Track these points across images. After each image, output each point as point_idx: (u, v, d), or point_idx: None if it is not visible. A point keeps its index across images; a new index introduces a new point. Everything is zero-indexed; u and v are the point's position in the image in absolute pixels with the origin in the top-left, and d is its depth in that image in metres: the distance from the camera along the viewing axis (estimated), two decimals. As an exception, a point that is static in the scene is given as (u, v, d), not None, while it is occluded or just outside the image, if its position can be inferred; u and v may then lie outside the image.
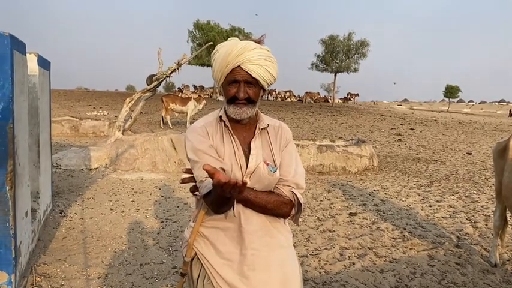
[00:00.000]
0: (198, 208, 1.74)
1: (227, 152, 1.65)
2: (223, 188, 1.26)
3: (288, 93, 41.28)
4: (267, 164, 1.65)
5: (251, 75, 1.59)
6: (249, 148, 1.67)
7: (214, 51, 1.67)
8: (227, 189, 1.26)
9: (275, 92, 41.15)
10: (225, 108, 1.69)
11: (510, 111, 41.10)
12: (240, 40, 1.64)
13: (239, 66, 1.58)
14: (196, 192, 1.63)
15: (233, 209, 1.58)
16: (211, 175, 1.25)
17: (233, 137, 1.67)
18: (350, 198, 6.58)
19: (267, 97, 41.02)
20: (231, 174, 1.62)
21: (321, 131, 17.27)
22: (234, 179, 1.25)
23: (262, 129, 1.72)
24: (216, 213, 1.62)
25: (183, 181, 1.71)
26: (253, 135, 1.69)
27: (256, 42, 1.63)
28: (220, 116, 1.69)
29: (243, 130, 1.71)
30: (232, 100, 1.63)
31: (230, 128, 1.67)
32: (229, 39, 1.68)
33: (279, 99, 40.18)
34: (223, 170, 1.59)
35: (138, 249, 4.20)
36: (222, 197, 1.41)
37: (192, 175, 1.68)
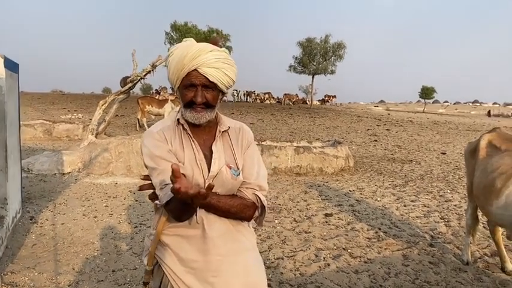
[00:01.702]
0: (158, 215, 1.68)
1: (187, 156, 1.59)
2: (183, 196, 1.20)
3: (267, 95, 41.38)
4: (230, 168, 1.61)
5: (208, 79, 1.54)
6: (210, 151, 1.62)
7: (169, 52, 1.61)
8: (188, 198, 1.21)
9: (254, 93, 41.19)
10: (182, 111, 1.63)
11: (489, 111, 42.19)
12: (198, 42, 1.59)
13: (195, 69, 1.53)
14: (157, 201, 1.56)
15: (196, 216, 1.53)
16: (174, 176, 1.19)
17: (193, 141, 1.62)
18: (326, 199, 6.60)
19: (246, 99, 41.02)
20: (192, 179, 1.57)
21: (299, 133, 17.33)
22: (197, 189, 1.19)
23: (223, 131, 1.67)
24: (178, 221, 1.56)
25: (141, 188, 1.65)
26: (214, 138, 1.65)
27: (213, 44, 1.58)
28: (178, 119, 1.64)
29: (203, 133, 1.66)
30: (189, 104, 1.57)
31: (189, 132, 1.62)
32: (184, 40, 1.62)
33: (258, 101, 40.22)
34: (184, 175, 1.55)
35: (110, 255, 4.11)
36: (183, 205, 1.36)
37: (151, 181, 1.61)
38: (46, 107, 24.05)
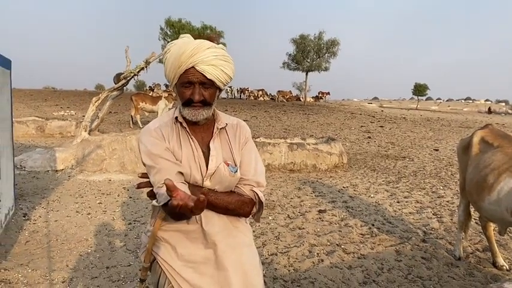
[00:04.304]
0: (155, 212, 1.69)
1: (185, 154, 1.59)
2: (183, 210, 1.22)
3: (260, 92, 41.35)
4: (228, 165, 1.61)
5: (206, 77, 1.53)
6: (208, 149, 1.62)
7: (165, 49, 1.60)
8: (188, 211, 1.22)
9: (248, 90, 41.15)
10: (180, 109, 1.62)
11: (489, 108, 42.26)
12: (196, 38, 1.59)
13: (193, 67, 1.51)
14: (154, 202, 1.55)
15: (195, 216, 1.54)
16: (170, 192, 1.19)
17: (191, 138, 1.61)
18: (320, 196, 6.62)
19: (240, 96, 40.97)
20: (190, 177, 1.57)
21: (293, 129, 17.35)
22: (193, 199, 1.20)
23: (220, 128, 1.67)
24: (176, 220, 1.58)
25: (139, 186, 1.65)
26: (212, 136, 1.64)
27: (210, 40, 1.57)
28: (176, 117, 1.62)
29: (201, 131, 1.65)
30: (187, 102, 1.56)
31: (188, 129, 1.61)
32: (180, 36, 1.61)
33: (251, 98, 40.20)
34: (182, 173, 1.54)
35: (104, 252, 4.10)
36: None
37: (148, 179, 1.61)
38: (38, 104, 23.90)
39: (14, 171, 5.30)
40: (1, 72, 4.44)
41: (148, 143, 1.58)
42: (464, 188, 4.11)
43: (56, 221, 4.97)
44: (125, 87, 9.26)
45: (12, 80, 5.12)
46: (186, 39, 1.58)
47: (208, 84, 1.56)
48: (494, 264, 3.98)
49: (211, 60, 1.52)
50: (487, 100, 70.94)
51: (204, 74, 1.52)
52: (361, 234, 4.85)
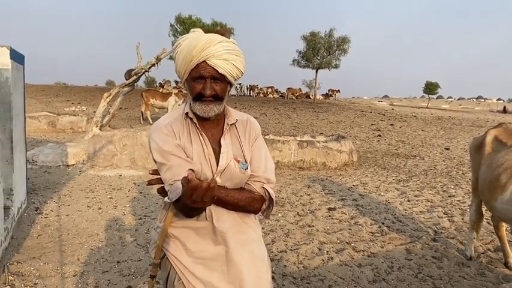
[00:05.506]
0: (165, 208, 1.68)
1: (195, 150, 1.58)
2: (192, 196, 1.21)
3: (270, 90, 41.22)
4: (238, 162, 1.60)
5: (217, 71, 1.51)
6: (219, 145, 1.61)
7: (176, 44, 1.58)
8: (198, 196, 1.21)
9: (257, 88, 41.08)
10: (190, 104, 1.61)
11: (504, 107, 41.66)
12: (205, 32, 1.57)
13: (204, 61, 1.50)
14: (166, 199, 1.55)
15: (205, 212, 1.54)
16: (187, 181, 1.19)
17: (201, 135, 1.60)
18: (329, 194, 6.61)
19: (249, 93, 40.92)
20: (201, 174, 1.57)
21: (303, 127, 17.30)
22: (204, 183, 1.20)
23: (231, 124, 1.66)
24: (187, 217, 1.57)
25: (150, 183, 1.64)
26: (222, 132, 1.63)
27: (220, 35, 1.55)
28: (187, 113, 1.61)
29: (211, 127, 1.64)
30: (198, 97, 1.55)
31: (198, 125, 1.60)
32: (191, 30, 1.59)
33: (261, 95, 40.11)
34: (193, 170, 1.53)
35: (115, 247, 4.13)
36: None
37: (159, 176, 1.60)
38: (50, 99, 24.11)
39: (26, 166, 5.36)
40: (15, 67, 4.48)
41: (159, 140, 1.57)
42: (476, 187, 4.07)
43: (67, 215, 5.02)
44: (135, 84, 9.31)
45: (25, 76, 5.18)
46: (197, 33, 1.56)
47: (220, 78, 1.54)
48: (506, 264, 3.95)
49: (222, 55, 1.51)
50: (499, 99, 70.08)
51: (216, 68, 1.51)
52: (371, 232, 4.83)
